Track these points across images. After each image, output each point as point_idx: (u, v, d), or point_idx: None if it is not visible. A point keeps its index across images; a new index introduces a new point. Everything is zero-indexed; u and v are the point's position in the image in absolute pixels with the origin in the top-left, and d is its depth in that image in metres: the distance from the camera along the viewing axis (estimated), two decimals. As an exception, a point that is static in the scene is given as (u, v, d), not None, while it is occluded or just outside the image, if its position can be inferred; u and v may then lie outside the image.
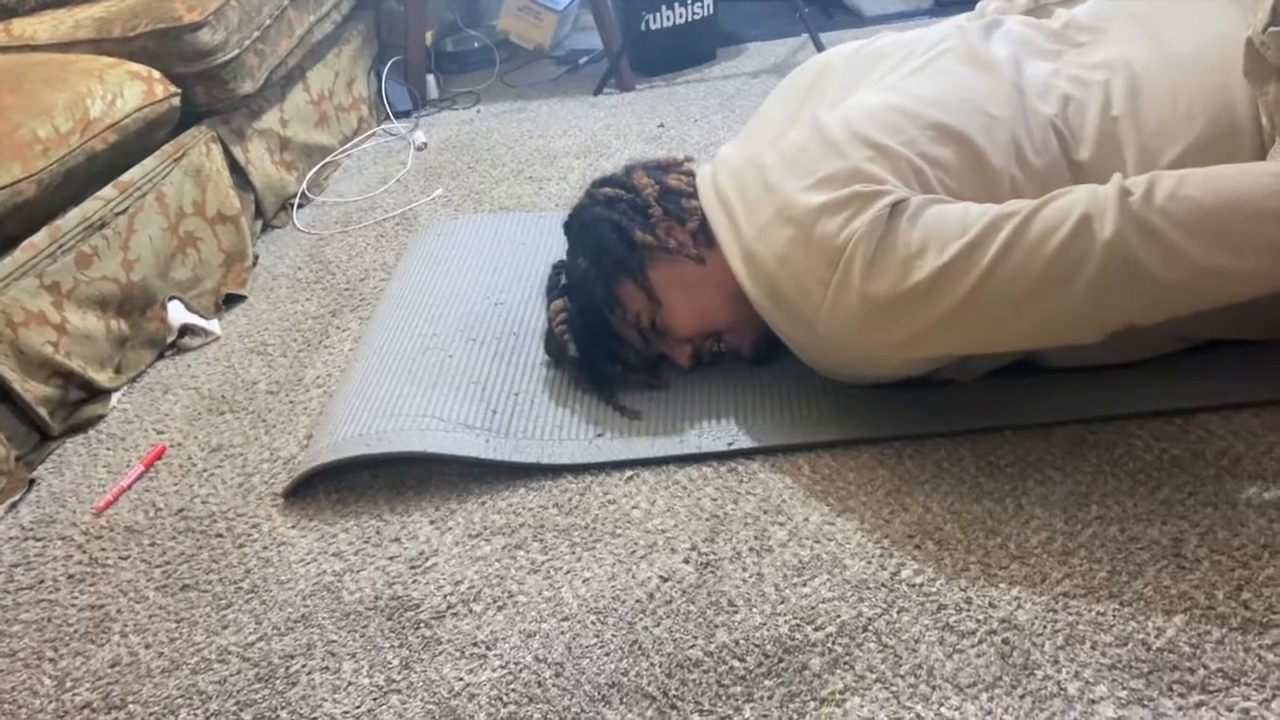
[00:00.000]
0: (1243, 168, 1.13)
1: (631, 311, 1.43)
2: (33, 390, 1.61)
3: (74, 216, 1.73)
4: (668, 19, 2.91)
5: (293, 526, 1.36)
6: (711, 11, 2.95)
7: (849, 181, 1.22)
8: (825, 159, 1.26)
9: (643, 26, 2.89)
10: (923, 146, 1.25)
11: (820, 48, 2.79)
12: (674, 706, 1.03)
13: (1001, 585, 1.10)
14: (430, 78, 3.03)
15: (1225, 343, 1.32)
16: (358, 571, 1.27)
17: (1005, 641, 1.03)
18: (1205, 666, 0.98)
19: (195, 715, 1.11)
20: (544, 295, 1.57)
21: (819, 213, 1.22)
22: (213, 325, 1.91)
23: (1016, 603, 1.07)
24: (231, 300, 2.01)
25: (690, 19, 2.93)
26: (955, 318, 1.17)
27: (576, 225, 1.50)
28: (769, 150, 1.34)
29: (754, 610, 1.12)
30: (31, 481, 1.55)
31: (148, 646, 1.21)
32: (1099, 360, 1.32)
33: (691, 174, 1.47)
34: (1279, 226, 1.07)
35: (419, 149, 2.67)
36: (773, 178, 1.29)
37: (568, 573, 1.21)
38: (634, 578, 1.19)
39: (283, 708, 1.11)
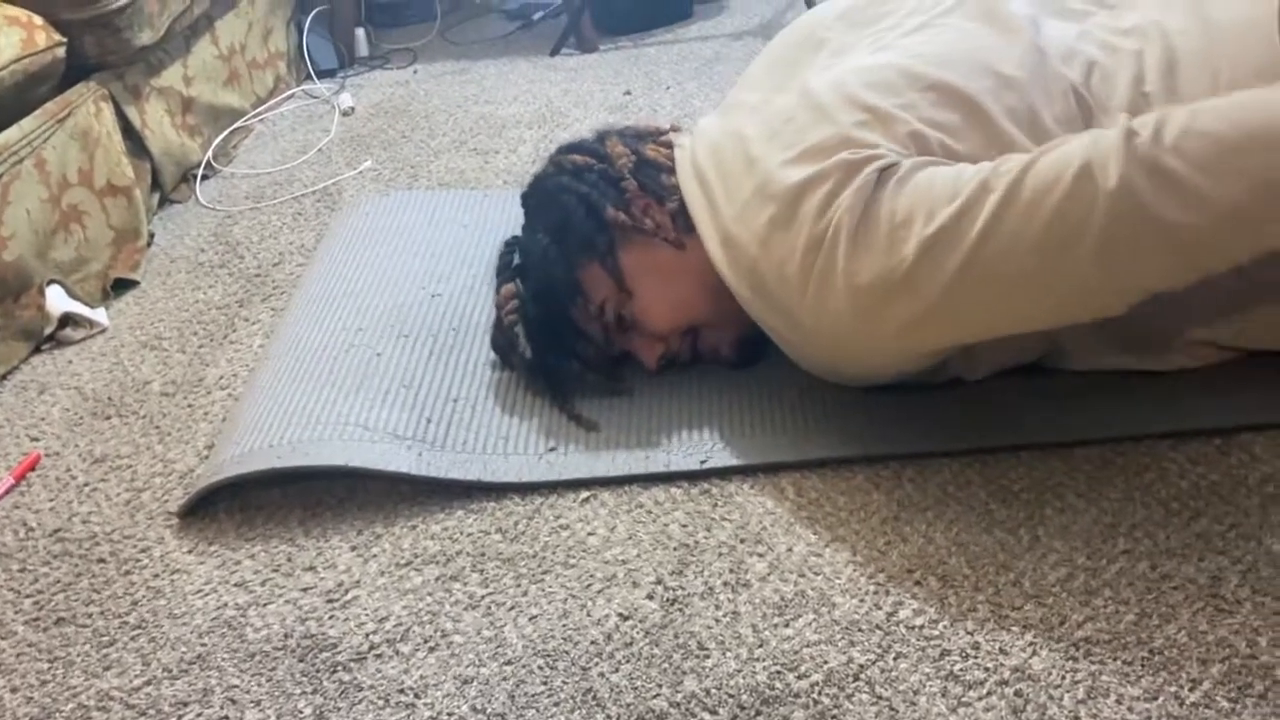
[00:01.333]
0: (1269, 93, 1.12)
1: (595, 300, 1.42)
2: (-118, 387, 1.58)
3: (-64, 184, 1.71)
4: (637, -32, 2.92)
5: (189, 551, 1.35)
6: (687, -39, 2.97)
7: (837, 150, 1.22)
8: (812, 127, 1.26)
9: (608, -23, 2.90)
10: (924, 111, 1.25)
11: (811, 3, 2.80)
12: (634, 766, 1.03)
13: (1014, 629, 1.10)
14: (360, 31, 3.02)
15: (1270, 354, 1.34)
16: (265, 605, 1.26)
17: (1018, 694, 1.03)
18: (1246, 724, 0.98)
19: (69, 773, 1.10)
20: (491, 279, 1.57)
21: (802, 188, 1.23)
22: (99, 315, 1.89)
23: (1031, 649, 1.08)
24: (121, 286, 1.99)
25: (663, -31, 2.95)
26: (951, 298, 1.17)
27: (537, 196, 1.50)
28: (751, 120, 1.34)
29: (728, 655, 1.11)
30: (-121, 495, 1.53)
31: (14, 690, 1.20)
32: (1127, 364, 1.33)
33: (672, 145, 1.47)
34: None
35: (345, 114, 2.66)
36: (754, 150, 1.30)
37: (512, 609, 1.20)
38: (589, 616, 1.18)
39: (173, 764, 1.09)
